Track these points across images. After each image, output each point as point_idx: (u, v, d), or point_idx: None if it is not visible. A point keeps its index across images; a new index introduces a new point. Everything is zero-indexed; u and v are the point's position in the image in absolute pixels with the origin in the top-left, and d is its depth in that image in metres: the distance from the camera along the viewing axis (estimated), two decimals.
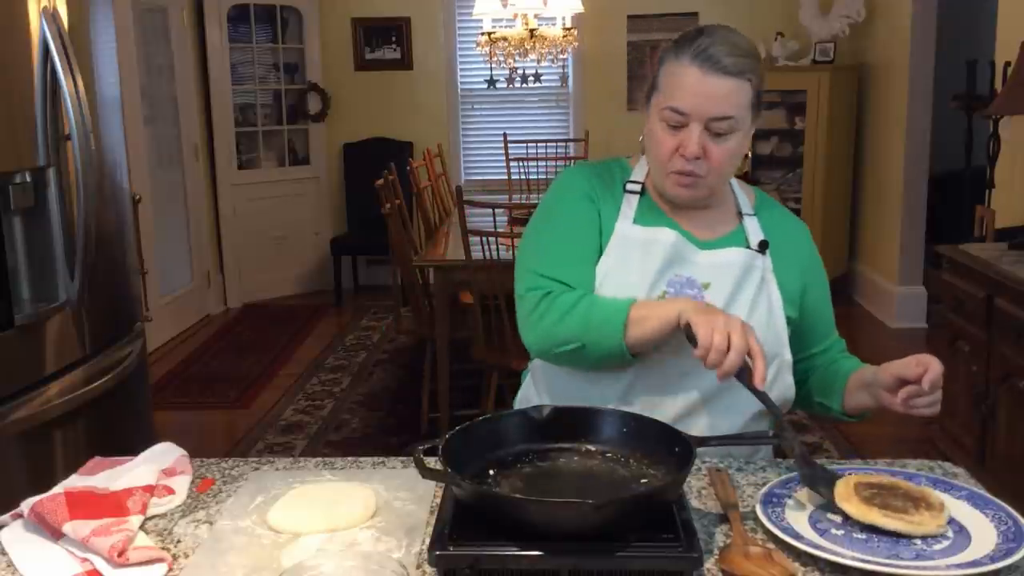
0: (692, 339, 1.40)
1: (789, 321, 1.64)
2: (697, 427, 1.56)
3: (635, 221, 1.62)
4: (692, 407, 1.57)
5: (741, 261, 1.60)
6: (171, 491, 1.42)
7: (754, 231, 1.65)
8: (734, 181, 1.71)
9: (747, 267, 1.60)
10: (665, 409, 1.56)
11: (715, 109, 1.50)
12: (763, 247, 1.63)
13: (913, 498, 1.25)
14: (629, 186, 1.67)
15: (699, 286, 1.59)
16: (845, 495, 1.26)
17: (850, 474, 1.33)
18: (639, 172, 1.69)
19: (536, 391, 1.74)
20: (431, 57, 6.83)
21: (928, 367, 1.41)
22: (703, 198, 1.61)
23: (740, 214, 1.68)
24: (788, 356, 1.63)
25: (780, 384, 1.63)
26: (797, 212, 6.16)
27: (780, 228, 1.68)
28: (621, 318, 1.49)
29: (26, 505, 1.32)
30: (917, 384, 1.41)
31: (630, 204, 1.64)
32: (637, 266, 1.59)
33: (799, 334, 1.68)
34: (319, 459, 1.56)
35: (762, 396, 1.38)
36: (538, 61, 5.13)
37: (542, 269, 1.60)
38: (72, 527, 1.26)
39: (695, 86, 1.50)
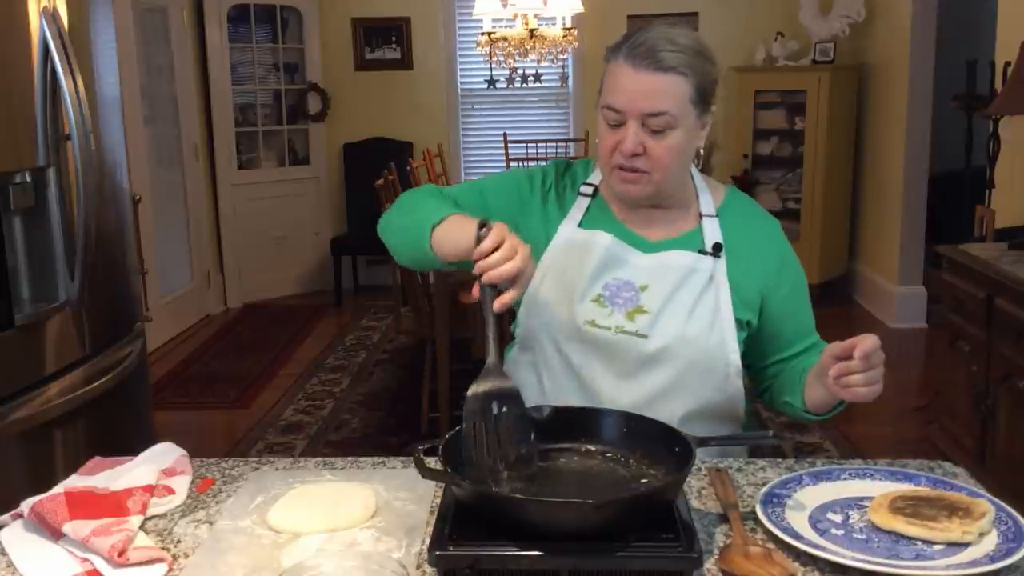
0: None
1: (746, 325, 1.62)
2: (661, 417, 1.55)
3: (580, 223, 1.64)
4: (652, 396, 1.57)
5: (684, 263, 1.59)
6: (171, 491, 1.42)
7: (712, 233, 1.63)
8: (702, 180, 1.69)
9: (691, 269, 1.59)
10: (622, 399, 1.56)
11: (648, 105, 1.50)
12: (716, 249, 1.61)
13: (951, 507, 1.24)
14: (582, 188, 1.68)
15: (636, 288, 1.59)
16: (875, 506, 1.26)
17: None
18: (597, 175, 1.70)
19: None
20: (431, 57, 6.84)
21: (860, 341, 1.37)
22: (651, 195, 1.59)
23: (701, 215, 1.66)
24: (736, 360, 1.60)
25: (729, 387, 1.61)
26: (797, 212, 6.20)
27: (745, 229, 1.66)
28: (434, 219, 1.47)
29: (26, 505, 1.32)
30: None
31: (579, 207, 1.66)
32: (574, 268, 1.60)
33: (765, 338, 1.66)
34: (319, 459, 1.56)
35: (487, 318, 1.31)
36: (538, 61, 5.13)
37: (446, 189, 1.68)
38: (72, 527, 1.26)
39: (627, 83, 1.51)
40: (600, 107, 1.56)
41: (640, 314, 1.56)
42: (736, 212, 1.68)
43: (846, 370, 1.38)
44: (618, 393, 1.57)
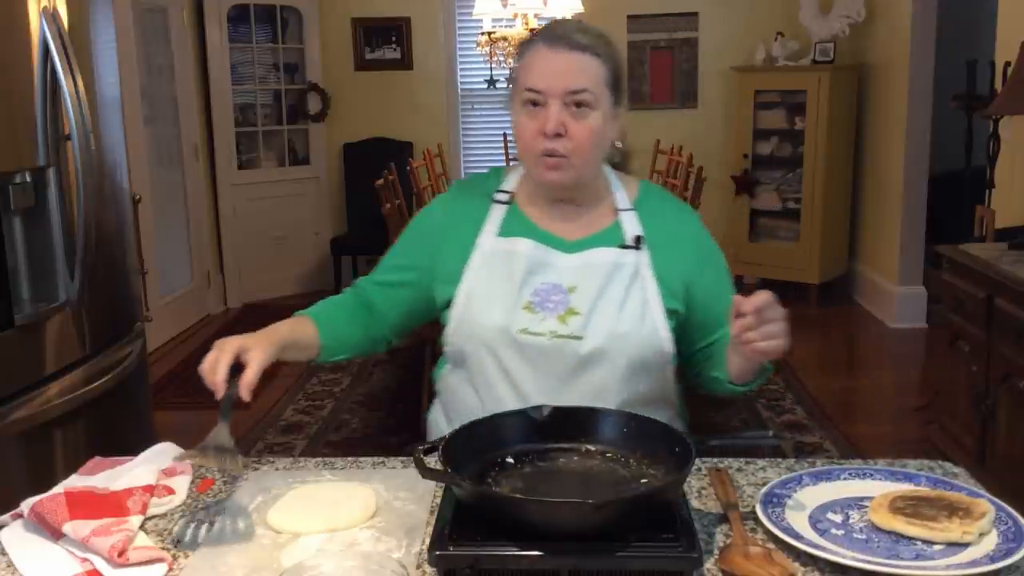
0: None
1: (675, 314, 1.64)
2: None
3: (499, 233, 1.65)
4: (591, 396, 1.58)
5: (608, 260, 1.61)
6: (171, 491, 1.42)
7: (631, 226, 1.65)
8: (614, 176, 1.71)
9: (615, 265, 1.61)
10: (562, 403, 1.55)
11: (569, 82, 1.54)
12: (638, 242, 1.63)
13: (951, 507, 1.24)
14: (496, 196, 1.69)
15: (564, 290, 1.60)
16: (875, 506, 1.26)
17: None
18: (509, 182, 1.71)
19: (441, 406, 1.78)
20: (431, 57, 6.83)
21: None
22: (573, 181, 1.60)
23: (617, 210, 1.67)
24: (669, 349, 1.62)
25: (664, 377, 1.65)
26: (797, 212, 6.20)
27: (663, 220, 1.68)
28: None
29: (26, 505, 1.32)
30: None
31: (495, 216, 1.67)
32: (500, 277, 1.61)
33: (694, 325, 1.68)
34: (319, 459, 1.56)
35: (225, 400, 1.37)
36: None
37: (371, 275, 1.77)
38: (72, 527, 1.26)
39: (547, 63, 1.55)
40: (518, 96, 1.59)
41: (572, 316, 1.58)
42: (652, 204, 1.70)
43: (747, 326, 1.40)
44: (557, 397, 1.57)
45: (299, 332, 1.62)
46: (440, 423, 1.77)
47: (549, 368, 1.58)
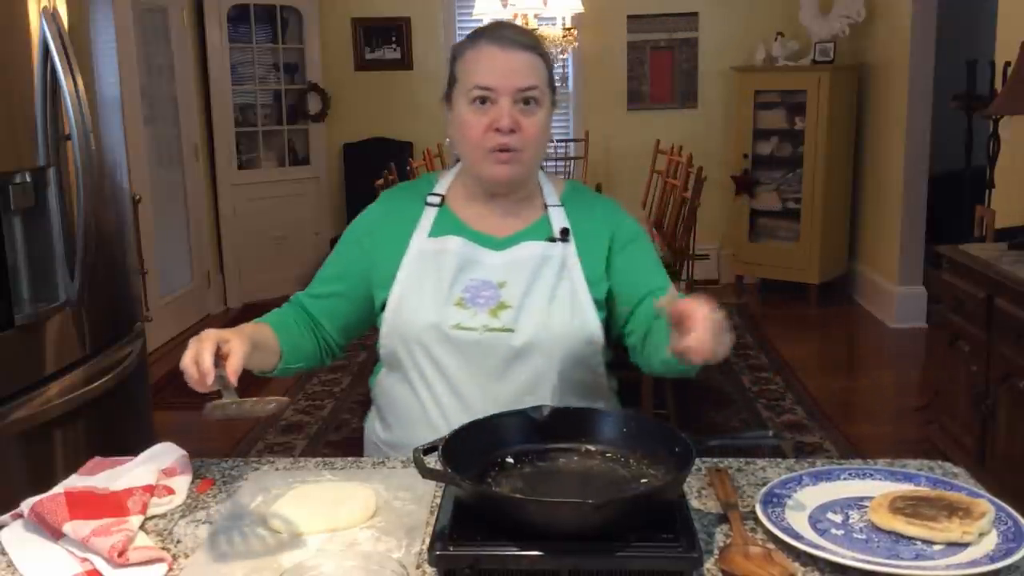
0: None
1: (605, 304, 1.67)
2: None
3: (430, 234, 1.68)
4: (526, 388, 1.60)
5: (536, 253, 1.64)
6: (171, 491, 1.42)
7: (558, 220, 1.69)
8: (542, 174, 1.75)
9: (543, 258, 1.64)
10: (498, 396, 1.59)
11: (521, 80, 1.59)
12: (565, 234, 1.66)
13: (951, 507, 1.24)
14: (429, 199, 1.72)
15: (495, 286, 1.62)
16: (875, 506, 1.26)
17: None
18: (442, 184, 1.75)
19: (377, 411, 1.79)
20: (431, 57, 6.83)
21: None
22: (521, 175, 1.65)
23: (546, 206, 1.71)
24: (599, 338, 1.65)
25: (595, 366, 1.67)
26: (797, 212, 6.21)
27: (587, 213, 1.72)
28: None
29: (26, 505, 1.32)
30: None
31: (427, 217, 1.70)
32: (431, 276, 1.64)
33: (621, 310, 1.69)
34: (319, 459, 1.56)
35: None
36: None
37: (306, 288, 1.78)
38: (72, 527, 1.26)
39: (497, 62, 1.59)
40: (468, 91, 1.60)
41: (503, 310, 1.60)
42: (578, 199, 1.74)
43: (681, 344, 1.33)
44: (493, 391, 1.60)
45: (262, 335, 1.61)
46: (376, 429, 1.79)
47: (483, 362, 1.61)
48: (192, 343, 1.39)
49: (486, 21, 5.05)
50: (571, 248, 1.66)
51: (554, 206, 1.70)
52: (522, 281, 1.62)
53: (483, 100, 1.59)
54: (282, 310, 1.76)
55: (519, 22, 4.98)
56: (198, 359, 1.35)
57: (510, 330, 1.59)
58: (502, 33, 1.61)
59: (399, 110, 6.86)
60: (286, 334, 1.67)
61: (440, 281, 1.63)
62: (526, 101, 1.59)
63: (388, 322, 1.66)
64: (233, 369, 1.36)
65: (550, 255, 1.65)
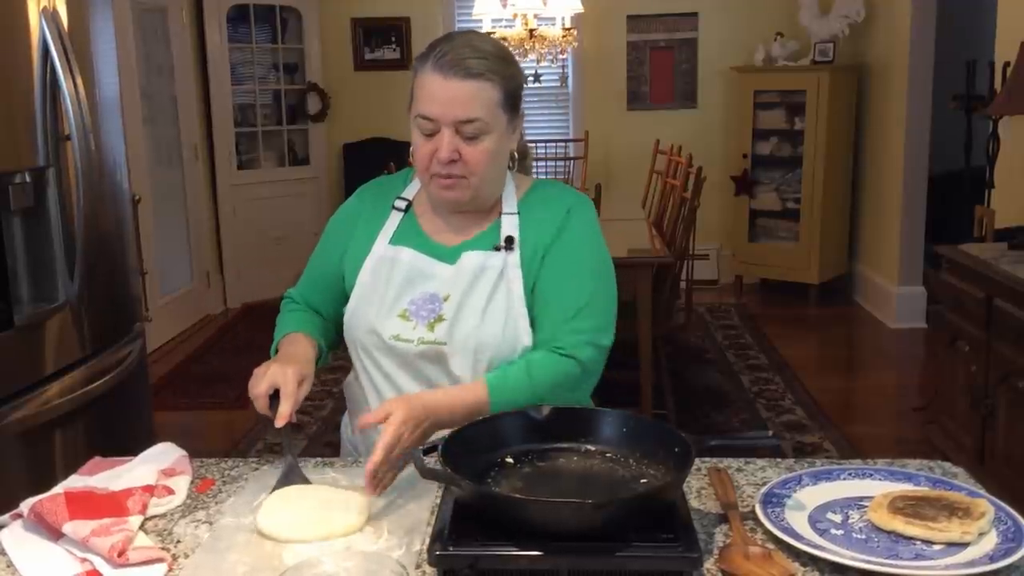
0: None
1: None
2: None
3: (391, 240, 1.67)
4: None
5: (476, 264, 1.61)
6: (171, 491, 1.42)
7: (507, 227, 1.64)
8: (511, 178, 1.70)
9: (482, 268, 1.61)
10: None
11: (460, 112, 1.53)
12: (509, 243, 1.62)
13: (951, 507, 1.24)
14: (396, 203, 1.71)
15: (440, 299, 1.61)
16: (875, 506, 1.26)
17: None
18: (412, 188, 1.73)
19: (348, 412, 1.81)
20: None
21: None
22: (471, 199, 1.61)
23: (501, 214, 1.66)
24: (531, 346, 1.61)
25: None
26: (796, 212, 6.20)
27: (537, 217, 1.65)
28: (272, 351, 1.67)
29: (26, 505, 1.32)
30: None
31: (392, 222, 1.69)
32: (383, 283, 1.64)
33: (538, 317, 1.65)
34: (319, 459, 1.56)
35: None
36: (538, 61, 5.13)
37: (297, 284, 1.82)
38: (72, 527, 1.26)
39: (438, 92, 1.54)
40: (413, 117, 1.58)
41: (439, 323, 1.59)
42: (535, 203, 1.68)
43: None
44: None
45: (304, 349, 1.65)
46: (347, 431, 1.81)
47: (419, 374, 1.61)
48: (252, 380, 1.52)
49: (486, 25, 5.06)
50: (513, 257, 1.62)
51: (508, 213, 1.66)
52: (459, 294, 1.60)
53: (427, 127, 1.56)
54: (290, 308, 1.78)
55: (519, 22, 4.98)
56: (254, 402, 1.51)
57: (443, 343, 1.58)
58: (448, 59, 1.53)
59: (399, 110, 6.75)
60: (316, 331, 1.71)
61: (388, 291, 1.63)
62: (469, 132, 1.54)
63: (345, 323, 1.68)
64: (283, 414, 1.49)
65: (490, 265, 1.61)
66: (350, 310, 1.66)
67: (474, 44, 1.56)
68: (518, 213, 1.66)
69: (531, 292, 1.61)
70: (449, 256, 1.64)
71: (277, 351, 1.65)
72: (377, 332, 1.61)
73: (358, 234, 1.71)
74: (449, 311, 1.59)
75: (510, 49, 5.15)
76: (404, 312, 1.61)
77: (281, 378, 1.50)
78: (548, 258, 1.62)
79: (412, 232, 1.68)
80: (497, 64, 1.55)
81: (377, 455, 1.34)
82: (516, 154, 1.68)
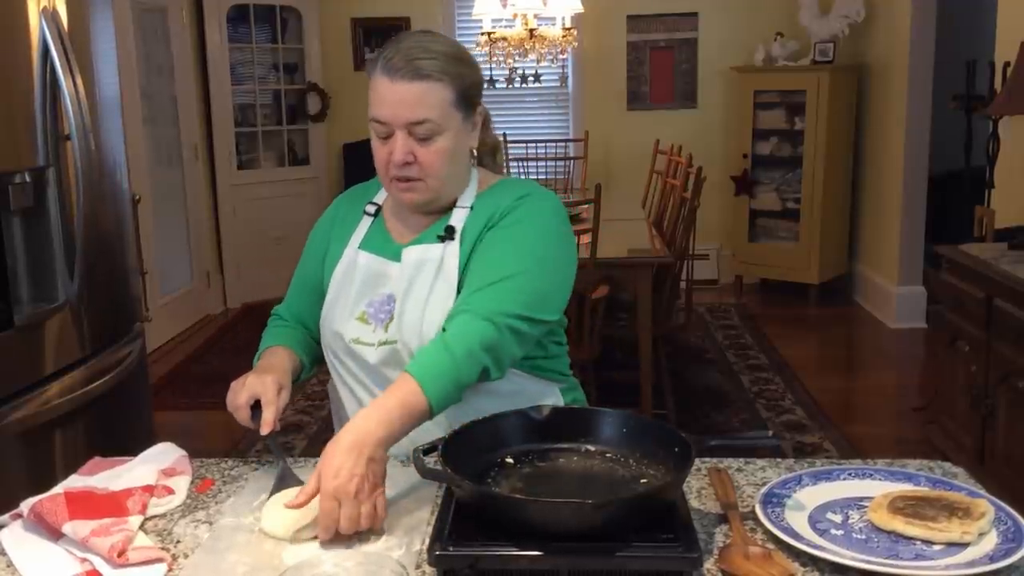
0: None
1: None
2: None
3: (360, 244, 1.67)
4: None
5: (414, 258, 1.61)
6: (171, 491, 1.42)
7: (454, 220, 1.62)
8: (476, 175, 1.68)
9: (421, 261, 1.60)
10: None
11: (410, 114, 1.52)
12: (450, 232, 1.60)
13: (951, 507, 1.24)
14: (367, 207, 1.72)
15: (394, 299, 1.61)
16: (875, 506, 1.26)
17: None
18: (382, 193, 1.72)
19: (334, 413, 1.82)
20: None
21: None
22: (431, 200, 1.61)
23: (455, 207, 1.64)
24: None
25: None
26: (796, 212, 6.20)
27: (492, 210, 1.62)
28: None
29: (26, 505, 1.32)
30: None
31: (362, 227, 1.70)
32: (347, 288, 1.65)
33: None
34: (318, 459, 1.56)
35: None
36: (538, 61, 5.13)
37: (284, 299, 1.82)
38: (72, 527, 1.26)
39: (387, 95, 1.53)
40: (369, 121, 1.58)
41: (392, 322, 1.60)
42: (492, 196, 1.64)
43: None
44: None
45: (283, 363, 1.65)
46: (335, 429, 1.79)
47: (378, 375, 1.61)
48: (229, 395, 1.53)
49: (486, 25, 5.05)
50: (453, 246, 1.59)
51: (460, 207, 1.64)
52: (403, 289, 1.60)
53: (381, 131, 1.56)
54: (275, 324, 1.79)
55: (519, 22, 4.98)
56: (234, 414, 1.53)
57: (393, 341, 1.58)
58: (394, 62, 1.52)
59: None
60: (298, 345, 1.72)
61: (351, 295, 1.64)
62: (421, 134, 1.54)
63: (320, 327, 1.69)
64: (268, 421, 1.50)
65: (429, 257, 1.59)
66: (322, 316, 1.68)
67: (424, 45, 1.55)
68: (471, 208, 1.63)
69: (463, 272, 1.58)
70: (398, 255, 1.63)
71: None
72: (341, 335, 1.62)
73: (334, 241, 1.72)
74: (397, 308, 1.59)
75: (512, 48, 5.05)
76: (363, 315, 1.62)
77: (260, 387, 1.51)
78: (486, 239, 1.59)
79: (379, 236, 1.68)
80: (448, 64, 1.54)
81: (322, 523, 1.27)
82: (475, 152, 1.67)
